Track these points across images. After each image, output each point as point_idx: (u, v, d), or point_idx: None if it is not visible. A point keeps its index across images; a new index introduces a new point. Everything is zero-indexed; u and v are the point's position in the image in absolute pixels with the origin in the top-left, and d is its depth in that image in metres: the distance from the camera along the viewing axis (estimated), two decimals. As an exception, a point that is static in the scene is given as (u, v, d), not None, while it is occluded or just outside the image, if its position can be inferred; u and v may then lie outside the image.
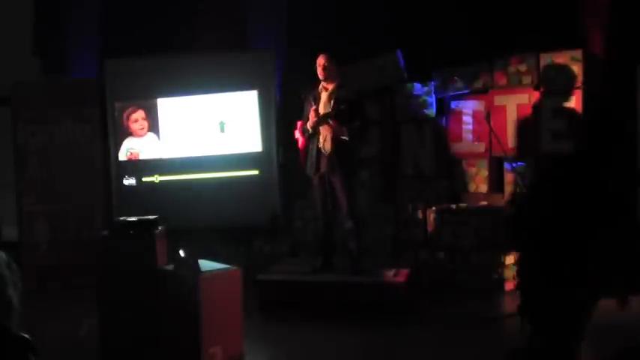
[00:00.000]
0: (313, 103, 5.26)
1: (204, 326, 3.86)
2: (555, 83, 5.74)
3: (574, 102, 5.68)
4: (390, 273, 5.24)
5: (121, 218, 4.44)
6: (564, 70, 5.72)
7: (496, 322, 4.79)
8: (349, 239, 5.32)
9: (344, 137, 5.16)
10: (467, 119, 6.15)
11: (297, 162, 5.67)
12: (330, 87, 5.29)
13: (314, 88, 5.39)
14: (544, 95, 5.80)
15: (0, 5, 6.89)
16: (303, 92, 5.47)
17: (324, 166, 5.26)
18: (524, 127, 5.86)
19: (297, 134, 5.52)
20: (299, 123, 5.49)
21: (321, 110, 5.25)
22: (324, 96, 5.30)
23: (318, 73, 5.27)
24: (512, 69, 5.90)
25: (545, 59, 5.78)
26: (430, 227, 5.99)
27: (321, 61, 5.26)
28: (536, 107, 5.81)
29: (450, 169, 6.25)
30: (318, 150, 5.27)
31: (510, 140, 5.89)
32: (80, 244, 6.24)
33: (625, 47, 5.77)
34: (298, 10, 6.73)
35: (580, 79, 5.66)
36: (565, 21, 5.84)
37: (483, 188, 6.09)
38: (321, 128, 5.24)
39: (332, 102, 5.23)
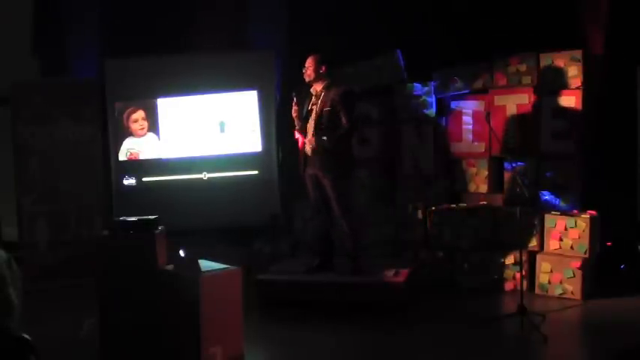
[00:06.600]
0: (295, 104, 5.25)
1: (204, 326, 3.85)
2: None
3: (574, 102, 5.68)
4: (390, 273, 5.23)
5: (121, 218, 4.44)
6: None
7: (496, 321, 4.78)
8: (345, 240, 5.31)
9: (326, 143, 5.12)
10: (467, 119, 6.15)
11: (296, 162, 5.67)
12: (319, 88, 5.29)
13: (305, 88, 5.37)
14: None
15: (0, 5, 6.89)
16: (296, 93, 5.44)
17: (311, 166, 5.27)
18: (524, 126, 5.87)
19: (297, 134, 5.52)
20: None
21: (312, 111, 5.25)
22: (313, 97, 5.31)
23: (304, 75, 5.28)
24: (512, 69, 5.90)
25: (545, 59, 5.78)
26: (430, 227, 6.00)
27: (306, 63, 5.27)
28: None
29: (450, 169, 6.25)
30: (306, 151, 5.28)
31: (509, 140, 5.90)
32: (80, 244, 6.24)
33: (625, 47, 5.77)
34: (298, 10, 6.73)
35: (580, 79, 5.66)
36: (565, 21, 5.85)
37: (483, 188, 6.08)
38: (307, 129, 5.25)
39: (319, 103, 5.22)
